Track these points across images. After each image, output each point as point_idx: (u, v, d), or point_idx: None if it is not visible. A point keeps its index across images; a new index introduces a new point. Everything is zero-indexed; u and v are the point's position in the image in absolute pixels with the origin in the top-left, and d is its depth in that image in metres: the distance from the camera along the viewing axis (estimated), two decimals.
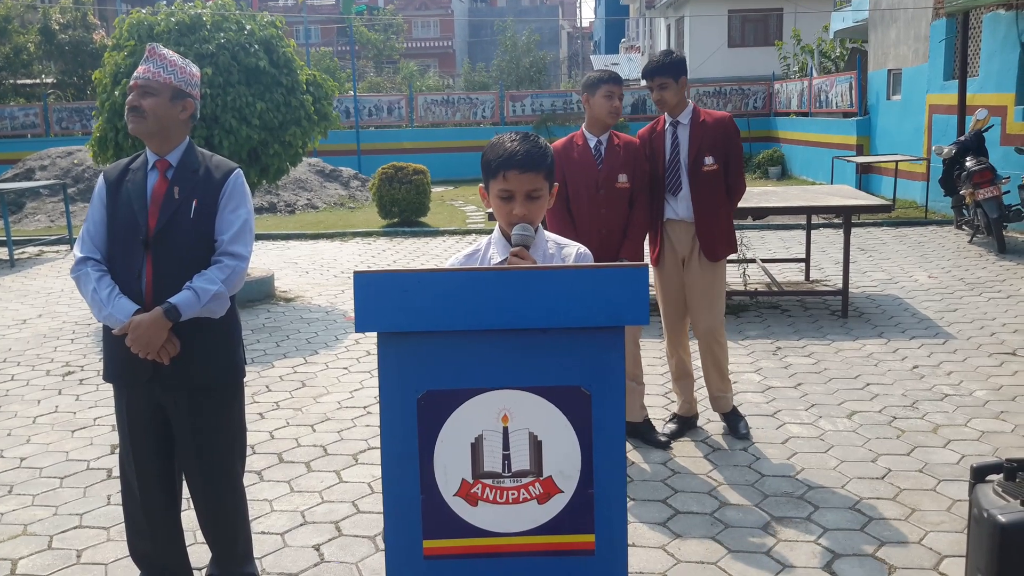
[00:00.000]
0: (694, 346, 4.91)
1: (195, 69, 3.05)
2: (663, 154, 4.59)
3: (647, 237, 4.69)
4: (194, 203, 2.91)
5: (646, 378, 5.65)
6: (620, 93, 4.50)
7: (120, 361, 2.92)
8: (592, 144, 4.50)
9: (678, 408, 4.85)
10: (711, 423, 4.92)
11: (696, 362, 5.07)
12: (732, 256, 5.03)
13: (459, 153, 21.03)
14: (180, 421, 2.97)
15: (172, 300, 2.82)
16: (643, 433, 4.66)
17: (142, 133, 2.90)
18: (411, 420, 1.87)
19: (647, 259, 4.77)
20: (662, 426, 4.81)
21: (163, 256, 2.88)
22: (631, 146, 4.55)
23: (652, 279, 4.86)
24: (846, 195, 7.91)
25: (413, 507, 1.88)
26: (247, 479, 3.31)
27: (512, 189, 2.30)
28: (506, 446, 1.88)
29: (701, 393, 5.07)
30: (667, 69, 4.48)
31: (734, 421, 4.77)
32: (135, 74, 2.93)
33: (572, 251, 2.42)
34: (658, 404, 5.25)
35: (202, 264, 2.91)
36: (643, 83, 4.79)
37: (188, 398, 2.94)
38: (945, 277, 8.62)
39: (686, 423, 4.81)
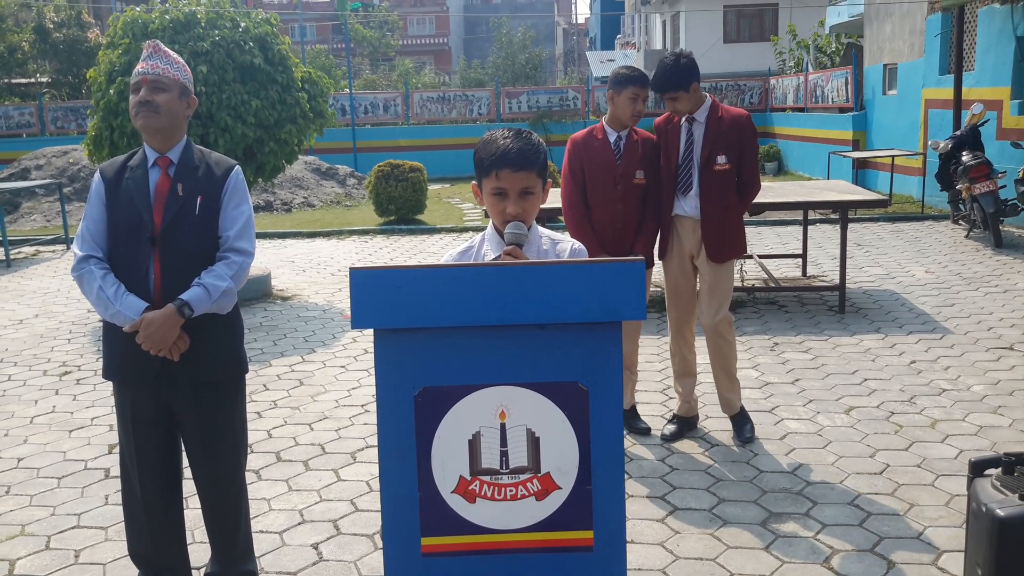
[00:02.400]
0: (699, 343, 4.86)
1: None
2: (676, 149, 4.50)
3: (657, 231, 4.68)
4: (199, 200, 2.91)
5: (644, 375, 5.66)
6: (645, 96, 4.47)
7: (126, 359, 2.91)
8: (612, 139, 4.50)
9: (678, 408, 4.77)
10: (709, 419, 4.91)
11: (702, 360, 5.03)
12: None
13: (455, 150, 21.00)
14: (188, 417, 2.98)
15: (184, 297, 2.83)
16: (627, 420, 4.66)
17: (154, 128, 2.89)
18: (408, 417, 1.86)
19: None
20: (662, 425, 4.80)
21: (170, 253, 2.88)
22: (649, 142, 4.54)
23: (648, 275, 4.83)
24: (842, 190, 7.91)
25: (411, 505, 1.88)
26: (246, 478, 3.32)
27: (505, 187, 2.29)
28: (504, 442, 1.87)
29: (707, 396, 5.06)
30: (675, 84, 4.33)
31: (740, 423, 4.66)
32: (141, 70, 2.92)
33: (567, 247, 2.40)
34: (655, 401, 5.25)
35: (208, 261, 2.92)
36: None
37: (194, 393, 2.95)
38: (942, 272, 8.62)
39: (686, 424, 4.74)
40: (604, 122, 4.56)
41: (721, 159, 4.41)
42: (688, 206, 4.51)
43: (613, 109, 4.50)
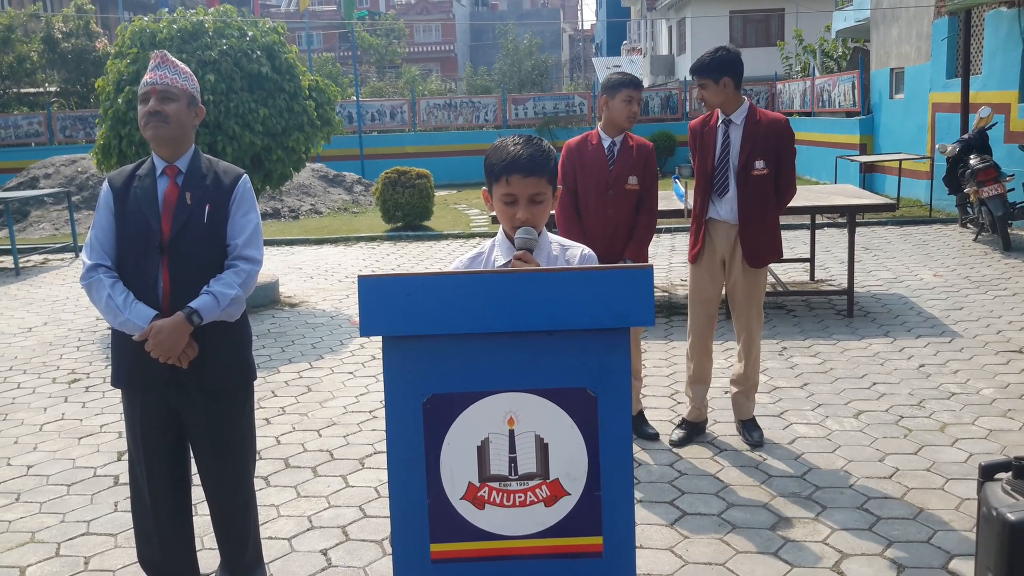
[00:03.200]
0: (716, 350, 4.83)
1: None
2: (712, 152, 4.47)
3: (649, 238, 4.67)
4: (207, 208, 2.93)
5: (652, 380, 5.66)
6: (639, 98, 4.49)
7: (136, 366, 2.93)
8: (606, 144, 4.51)
9: (687, 413, 4.74)
10: (717, 424, 4.90)
11: (715, 366, 5.01)
12: None
13: (462, 157, 21.03)
14: (196, 423, 2.99)
15: (193, 305, 2.84)
16: (635, 425, 4.65)
17: (163, 138, 2.92)
18: (417, 424, 1.86)
19: (670, 260, 4.75)
20: (670, 430, 4.79)
21: (179, 261, 2.89)
22: (644, 148, 4.54)
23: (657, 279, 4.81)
24: (850, 194, 7.90)
25: (420, 511, 1.88)
26: (254, 484, 3.33)
27: (515, 193, 2.30)
28: (512, 449, 1.87)
29: (716, 401, 5.04)
30: (705, 70, 4.38)
31: (749, 427, 4.65)
32: (149, 80, 2.93)
33: (576, 253, 2.41)
34: (663, 406, 5.24)
35: (216, 268, 2.94)
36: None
37: (203, 400, 2.97)
38: (950, 275, 8.60)
39: (695, 429, 4.72)
40: (599, 128, 4.56)
41: (759, 164, 4.40)
42: (724, 210, 4.49)
43: (608, 114, 4.51)
